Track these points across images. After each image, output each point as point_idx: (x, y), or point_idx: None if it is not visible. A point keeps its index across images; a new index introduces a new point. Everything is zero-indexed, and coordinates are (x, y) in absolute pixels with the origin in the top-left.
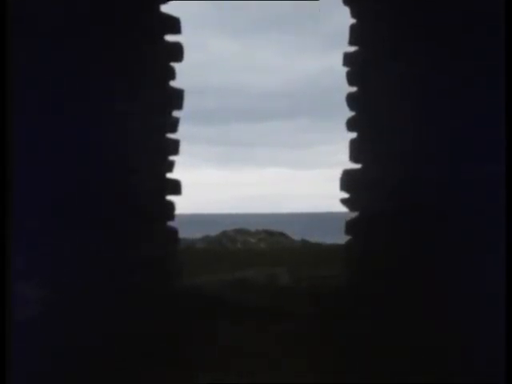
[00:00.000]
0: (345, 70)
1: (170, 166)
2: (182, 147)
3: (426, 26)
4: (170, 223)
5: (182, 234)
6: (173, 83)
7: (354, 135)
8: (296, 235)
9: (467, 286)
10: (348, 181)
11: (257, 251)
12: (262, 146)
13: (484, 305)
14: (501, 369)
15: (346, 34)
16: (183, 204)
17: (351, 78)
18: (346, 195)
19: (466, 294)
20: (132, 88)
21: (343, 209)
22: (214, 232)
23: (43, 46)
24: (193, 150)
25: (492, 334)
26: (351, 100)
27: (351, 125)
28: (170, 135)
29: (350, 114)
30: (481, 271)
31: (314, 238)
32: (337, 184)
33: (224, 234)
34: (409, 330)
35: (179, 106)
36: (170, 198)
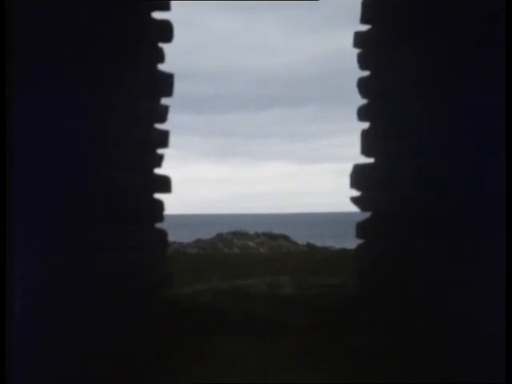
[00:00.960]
0: (356, 51)
1: (158, 161)
2: (172, 139)
3: (444, 6)
4: (159, 225)
5: (171, 238)
6: (161, 67)
7: (365, 125)
8: (301, 238)
9: (490, 296)
10: (359, 177)
11: (256, 257)
12: (262, 138)
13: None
14: None
15: (357, 11)
16: (173, 203)
17: (363, 61)
18: (356, 193)
19: (491, 306)
20: (115, 72)
21: (354, 209)
22: (207, 235)
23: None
24: (184, 143)
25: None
26: (363, 86)
27: (363, 114)
28: (158, 125)
29: (361, 101)
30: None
31: (321, 241)
32: (347, 181)
33: (219, 237)
34: (425, 344)
35: (168, 93)
36: (158, 196)
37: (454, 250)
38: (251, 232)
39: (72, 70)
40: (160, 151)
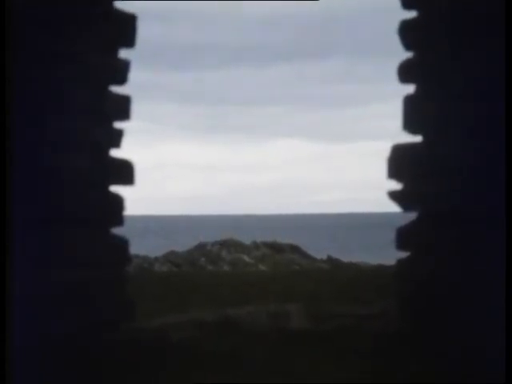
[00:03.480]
0: None
1: (115, 138)
2: (136, 107)
3: None
4: (116, 231)
5: (134, 249)
6: (119, 4)
7: (410, 89)
8: (318, 251)
9: None
10: (400, 163)
11: (254, 277)
12: (267, 105)
13: None
14: None
15: None
16: (137, 200)
17: None
18: (397, 186)
19: None
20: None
21: (393, 208)
22: (184, 246)
23: None
24: (154, 112)
25: None
26: (407, 32)
27: (406, 72)
28: (116, 88)
29: (405, 55)
30: None
31: (347, 254)
32: (383, 167)
33: (201, 248)
34: None
35: (130, 42)
36: (115, 189)
37: None
38: (247, 241)
39: None
40: (118, 125)
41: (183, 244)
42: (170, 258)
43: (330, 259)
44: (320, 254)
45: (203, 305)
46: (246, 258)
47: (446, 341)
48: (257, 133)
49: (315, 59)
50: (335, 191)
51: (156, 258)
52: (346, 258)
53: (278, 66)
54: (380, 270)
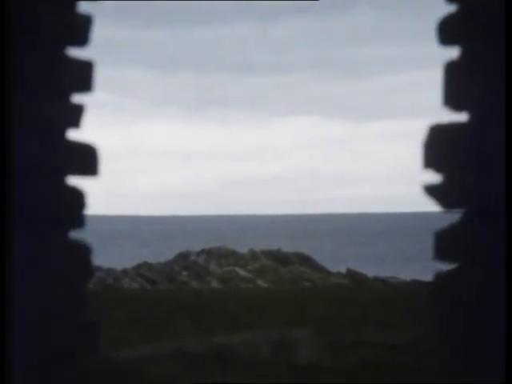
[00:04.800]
0: None
1: (73, 116)
2: (102, 75)
3: None
4: (75, 235)
5: (96, 259)
6: None
7: (452, 53)
8: (335, 262)
9: None
10: (439, 148)
11: (252, 296)
12: (273, 74)
13: None
14: None
15: None
16: (102, 196)
17: None
18: (434, 178)
19: None
20: None
21: (429, 206)
22: (161, 255)
23: None
24: (126, 83)
25: None
26: None
27: (449, 31)
28: (74, 51)
29: (447, 8)
30: None
31: (373, 267)
32: (417, 154)
33: (183, 259)
34: None
35: None
36: (74, 182)
37: None
38: (243, 250)
39: None
40: (77, 98)
41: (160, 253)
42: (143, 271)
43: (350, 273)
44: (337, 266)
45: (186, 332)
46: (241, 271)
47: (496, 377)
48: (259, 109)
49: (333, 13)
50: (358, 185)
51: (124, 272)
52: (370, 271)
53: (286, 21)
54: (414, 286)
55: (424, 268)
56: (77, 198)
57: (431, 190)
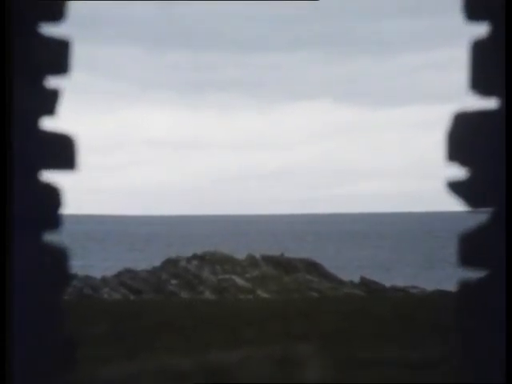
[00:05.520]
0: None
1: (47, 102)
2: (80, 54)
3: None
4: (50, 236)
5: (77, 265)
6: None
7: (480, 29)
8: (348, 270)
9: None
10: (466, 138)
11: (251, 309)
12: (277, 50)
13: None
14: None
15: None
16: (83, 193)
17: None
18: (459, 172)
19: None
20: None
21: (454, 205)
22: (147, 261)
23: None
24: (109, 62)
25: None
26: None
27: (476, 5)
28: (47, 27)
29: None
30: None
31: (391, 275)
32: (438, 144)
33: (172, 265)
34: None
35: None
36: (49, 176)
37: None
38: (240, 255)
39: None
40: (52, 81)
41: (145, 258)
42: (125, 279)
43: (364, 282)
44: (350, 273)
45: (176, 348)
46: (238, 279)
47: None
48: (262, 92)
49: None
50: (373, 180)
51: (104, 280)
52: (388, 280)
53: None
54: (436, 297)
55: (447, 275)
56: (52, 196)
57: (455, 187)
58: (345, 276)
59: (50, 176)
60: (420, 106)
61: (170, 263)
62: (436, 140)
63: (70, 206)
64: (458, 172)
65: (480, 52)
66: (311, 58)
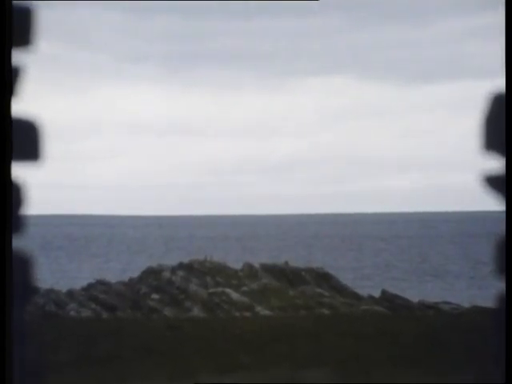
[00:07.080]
0: None
1: (9, 80)
2: (49, 21)
3: None
4: (11, 241)
5: (40, 276)
6: None
7: None
8: (367, 282)
9: None
10: (504, 124)
11: (248, 329)
12: (287, 16)
13: None
14: None
15: None
16: (50, 189)
17: None
18: (497, 163)
19: None
20: None
21: (490, 203)
22: (124, 271)
23: None
24: (82, 32)
25: None
26: None
27: None
28: None
29: None
30: None
31: (420, 289)
32: (472, 133)
33: (153, 276)
34: None
35: None
36: (12, 170)
37: None
38: (236, 264)
39: None
40: (14, 56)
41: (121, 267)
42: (97, 293)
43: (386, 297)
44: (368, 287)
45: (156, 378)
46: (233, 294)
47: None
48: (267, 67)
49: None
50: (403, 173)
51: (70, 294)
52: (415, 295)
53: None
54: (471, 314)
55: (483, 287)
56: (13, 193)
57: (491, 181)
58: (362, 289)
59: (11, 170)
60: (462, 82)
61: (151, 274)
62: (471, 126)
63: (34, 205)
64: (497, 162)
65: None
66: (330, 23)
